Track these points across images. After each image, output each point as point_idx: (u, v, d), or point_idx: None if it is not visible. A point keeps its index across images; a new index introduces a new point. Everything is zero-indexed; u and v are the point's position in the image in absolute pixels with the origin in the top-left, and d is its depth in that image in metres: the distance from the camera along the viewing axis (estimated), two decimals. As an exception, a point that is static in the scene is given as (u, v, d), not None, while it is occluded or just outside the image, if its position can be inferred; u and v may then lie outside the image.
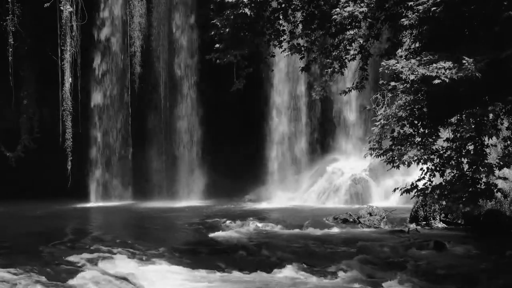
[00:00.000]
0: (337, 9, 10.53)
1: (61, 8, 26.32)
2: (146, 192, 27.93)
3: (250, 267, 12.53)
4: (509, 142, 10.16)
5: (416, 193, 10.69)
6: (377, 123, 10.39)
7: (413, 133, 10.31)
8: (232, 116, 28.21)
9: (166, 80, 29.12)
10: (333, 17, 10.60)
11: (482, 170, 9.70)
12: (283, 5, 11.98)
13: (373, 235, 16.42)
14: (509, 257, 13.33)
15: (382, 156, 10.44)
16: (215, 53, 11.87)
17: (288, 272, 12.19)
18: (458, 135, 9.82)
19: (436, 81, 8.63)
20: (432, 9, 9.14)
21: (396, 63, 9.30)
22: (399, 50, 10.89)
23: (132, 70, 28.51)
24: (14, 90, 27.81)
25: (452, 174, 10.34)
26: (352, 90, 12.39)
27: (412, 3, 9.53)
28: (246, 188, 27.07)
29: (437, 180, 10.64)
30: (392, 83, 9.67)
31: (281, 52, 12.62)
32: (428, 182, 10.53)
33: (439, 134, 10.33)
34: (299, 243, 15.44)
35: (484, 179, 10.02)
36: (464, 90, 8.97)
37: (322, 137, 29.07)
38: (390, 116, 10.16)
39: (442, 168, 10.34)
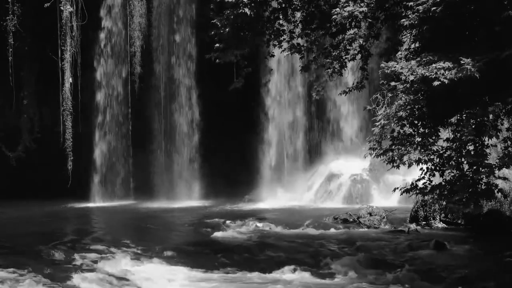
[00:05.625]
0: (337, 9, 10.53)
1: (61, 8, 26.34)
2: (146, 192, 27.90)
3: (250, 267, 12.54)
4: (509, 142, 10.12)
5: (416, 193, 10.70)
6: (377, 123, 10.37)
7: (413, 133, 10.30)
8: (232, 116, 28.21)
9: (166, 80, 29.12)
10: (333, 17, 10.61)
11: (482, 171, 9.68)
12: (283, 5, 11.99)
13: (373, 235, 16.41)
14: (509, 257, 13.32)
15: (382, 156, 10.44)
16: (215, 53, 11.89)
17: (288, 272, 12.20)
18: (458, 135, 9.80)
19: (436, 83, 8.63)
20: (432, 9, 9.13)
21: (395, 64, 9.30)
22: (399, 52, 10.89)
23: (132, 70, 28.51)
24: (15, 90, 27.84)
25: (452, 174, 10.33)
26: (352, 90, 12.40)
27: (412, 3, 9.53)
28: (245, 188, 27.04)
29: (437, 179, 10.64)
30: (392, 83, 9.67)
31: (280, 52, 12.63)
32: (428, 182, 10.53)
33: (439, 134, 10.32)
34: (299, 243, 15.42)
35: (484, 180, 10.01)
36: (463, 91, 8.96)
37: (322, 137, 29.04)
38: (390, 116, 10.15)
39: (442, 168, 10.33)
